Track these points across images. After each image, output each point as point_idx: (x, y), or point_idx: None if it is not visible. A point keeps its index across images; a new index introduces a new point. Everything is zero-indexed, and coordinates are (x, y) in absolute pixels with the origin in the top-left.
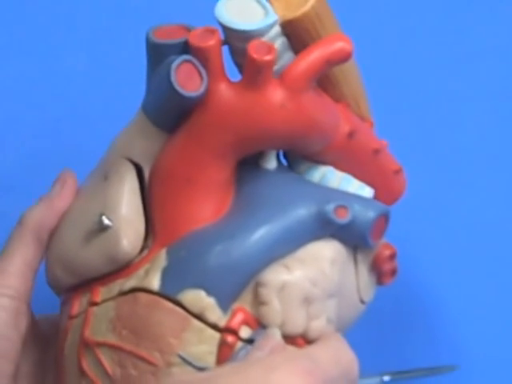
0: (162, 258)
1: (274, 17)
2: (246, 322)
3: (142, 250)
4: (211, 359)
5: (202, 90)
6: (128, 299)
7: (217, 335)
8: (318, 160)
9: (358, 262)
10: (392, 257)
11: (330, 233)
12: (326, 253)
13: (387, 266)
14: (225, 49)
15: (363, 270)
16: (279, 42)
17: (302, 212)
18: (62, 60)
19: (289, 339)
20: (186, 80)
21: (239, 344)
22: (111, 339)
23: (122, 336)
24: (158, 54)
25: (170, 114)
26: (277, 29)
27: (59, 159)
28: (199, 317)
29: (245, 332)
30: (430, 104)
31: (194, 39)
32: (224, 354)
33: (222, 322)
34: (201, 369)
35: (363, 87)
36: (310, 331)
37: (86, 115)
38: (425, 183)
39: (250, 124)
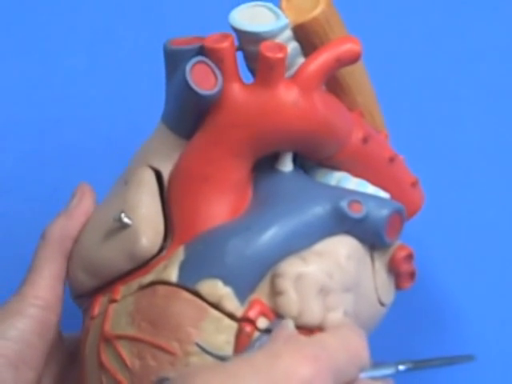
0: (179, 253)
1: (284, 20)
2: (263, 313)
3: (161, 250)
4: (229, 348)
5: (217, 89)
6: (147, 292)
7: (234, 325)
8: (333, 166)
9: (375, 261)
10: (409, 258)
11: (346, 229)
12: (342, 248)
13: (405, 268)
14: (240, 57)
15: (380, 269)
16: (291, 47)
17: (318, 207)
18: (62, 60)
19: (306, 331)
20: (201, 79)
21: (256, 334)
22: (130, 332)
23: (141, 328)
24: (175, 61)
25: (187, 117)
26: (288, 33)
27: (59, 159)
28: (217, 306)
29: (262, 322)
30: (433, 106)
31: (209, 42)
32: (241, 344)
33: (239, 312)
34: (219, 358)
35: (376, 99)
36: (327, 323)
37: (86, 115)
38: (431, 185)
39: (263, 122)
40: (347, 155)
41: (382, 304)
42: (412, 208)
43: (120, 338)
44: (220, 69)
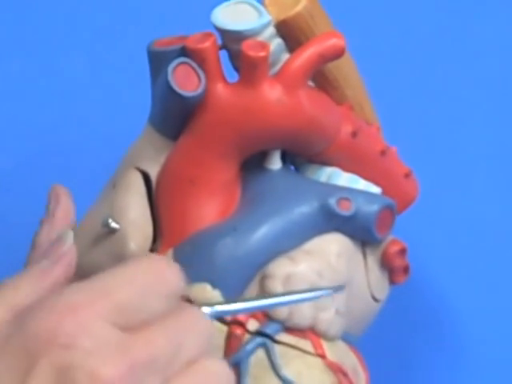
0: (168, 256)
1: (267, 17)
2: (252, 315)
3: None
4: (219, 352)
5: (200, 90)
6: None
7: (224, 328)
8: (323, 162)
9: (367, 257)
10: (402, 252)
11: (335, 226)
12: (332, 246)
13: (398, 263)
14: (224, 55)
15: (373, 265)
16: (275, 43)
17: (306, 206)
18: (62, 60)
19: (299, 332)
20: (184, 81)
21: (247, 336)
22: None
23: None
24: (158, 63)
25: (173, 118)
26: (271, 30)
27: (59, 159)
28: None
29: (252, 325)
30: (442, 106)
31: (191, 43)
32: (232, 347)
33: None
34: None
35: (366, 92)
36: (318, 323)
37: (86, 115)
38: (427, 184)
39: (249, 121)
40: (337, 150)
41: (375, 300)
42: (406, 199)
43: None
44: (203, 69)
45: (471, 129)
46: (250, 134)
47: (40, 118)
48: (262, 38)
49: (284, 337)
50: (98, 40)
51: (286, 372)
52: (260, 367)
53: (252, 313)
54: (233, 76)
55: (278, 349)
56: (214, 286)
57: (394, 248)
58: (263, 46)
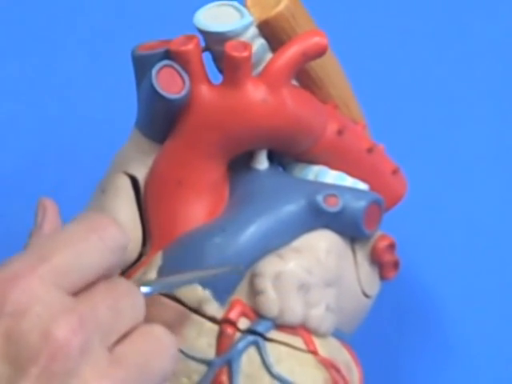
0: (157, 259)
1: (249, 18)
2: (243, 314)
3: (140, 257)
4: (211, 351)
5: (184, 92)
6: None
7: (215, 327)
8: (310, 160)
9: (357, 253)
10: (391, 247)
11: (323, 223)
12: (321, 243)
13: (387, 258)
14: (208, 58)
15: (363, 261)
16: (258, 44)
17: (293, 203)
18: (62, 60)
19: (290, 329)
20: (168, 83)
21: (238, 335)
22: None
23: None
24: (143, 67)
25: (158, 121)
26: (254, 30)
27: (59, 159)
28: (197, 310)
29: (243, 323)
30: (428, 103)
31: (175, 45)
32: (224, 346)
33: (219, 314)
34: (202, 361)
35: (351, 90)
36: (309, 319)
37: (86, 115)
38: (423, 182)
39: (233, 121)
40: (323, 148)
41: (366, 296)
42: (395, 196)
43: None
44: (187, 71)
45: (461, 125)
46: (235, 134)
47: (40, 118)
48: (244, 38)
49: (275, 334)
50: (98, 40)
51: (279, 369)
52: (252, 365)
53: (243, 311)
54: (217, 78)
55: (269, 347)
56: (204, 286)
57: (383, 243)
58: (246, 46)
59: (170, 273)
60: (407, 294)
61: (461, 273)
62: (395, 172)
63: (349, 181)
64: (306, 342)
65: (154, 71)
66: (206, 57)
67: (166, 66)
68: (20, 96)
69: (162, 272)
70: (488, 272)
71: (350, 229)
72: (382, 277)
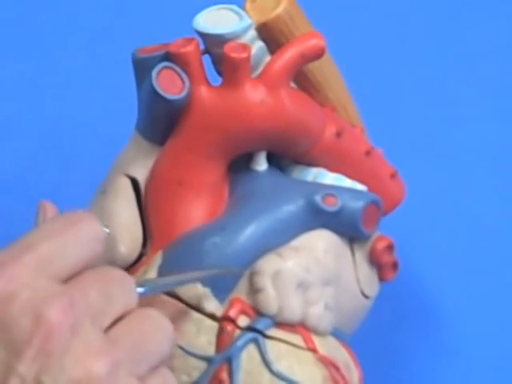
0: (157, 258)
1: (248, 21)
2: (243, 311)
3: (140, 257)
4: (211, 348)
5: (184, 93)
6: None
7: (215, 325)
8: (309, 162)
9: (355, 254)
10: (389, 248)
11: (322, 223)
12: (320, 242)
13: (386, 259)
14: (207, 61)
15: (362, 262)
16: (257, 46)
17: (292, 203)
18: (62, 60)
19: (289, 327)
20: (168, 84)
21: (238, 332)
22: None
23: None
24: (143, 69)
25: (159, 123)
26: (253, 33)
27: (59, 159)
28: (197, 307)
29: (243, 321)
30: (425, 106)
31: (174, 47)
32: (223, 343)
33: (219, 312)
34: (202, 358)
35: (349, 94)
36: (308, 317)
37: (86, 115)
38: (421, 184)
39: (232, 122)
40: (321, 150)
41: (365, 296)
42: (393, 200)
43: None
44: (186, 73)
45: (459, 128)
46: (234, 134)
47: (40, 118)
48: (243, 40)
49: (275, 332)
50: (98, 39)
51: (278, 367)
52: (252, 362)
53: (242, 309)
54: (216, 82)
55: (269, 344)
56: (204, 284)
57: (381, 244)
58: (245, 47)
59: (170, 272)
60: (406, 296)
61: (461, 274)
62: (393, 176)
63: (347, 183)
64: (305, 340)
65: (154, 72)
66: (206, 60)
67: (165, 67)
68: (20, 96)
69: (161, 271)
70: (487, 273)
71: (349, 229)
72: (381, 278)
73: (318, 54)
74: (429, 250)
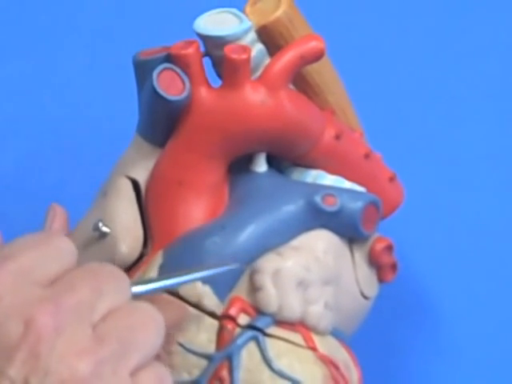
0: (158, 257)
1: (248, 23)
2: (243, 310)
3: (141, 257)
4: (211, 346)
5: (185, 94)
6: None
7: (215, 323)
8: (308, 165)
9: (355, 254)
10: (388, 249)
11: (322, 223)
12: (319, 242)
13: (385, 260)
14: (208, 65)
15: (361, 262)
16: (257, 49)
17: (292, 203)
18: (62, 60)
19: (289, 326)
20: (169, 85)
21: (238, 330)
22: None
23: None
24: (144, 71)
25: (159, 125)
26: (252, 35)
27: (59, 159)
28: (197, 305)
29: (243, 319)
30: (426, 106)
31: (175, 49)
32: (224, 341)
33: (219, 310)
34: (202, 356)
35: (348, 98)
36: (308, 316)
37: (86, 115)
38: (422, 185)
39: (232, 123)
40: (321, 153)
41: (364, 297)
42: (392, 203)
43: None
44: (187, 74)
45: (456, 131)
46: (234, 135)
47: (40, 118)
48: (243, 42)
49: (275, 330)
50: (98, 39)
51: (278, 365)
52: (252, 360)
53: (243, 307)
54: (216, 84)
55: (269, 342)
56: (204, 282)
57: (380, 245)
58: (245, 49)
59: (170, 271)
60: (405, 297)
61: (459, 275)
62: (392, 179)
63: (347, 184)
64: (305, 339)
65: (155, 73)
66: (206, 63)
67: (166, 68)
68: (20, 96)
69: (162, 270)
70: (486, 273)
71: (348, 229)
72: (381, 279)
73: (317, 56)
74: (428, 252)
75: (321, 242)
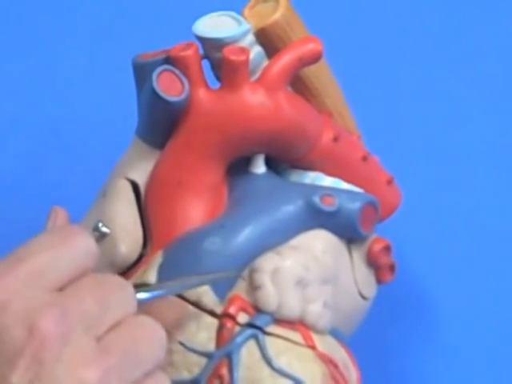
0: (158, 257)
1: (246, 26)
2: (242, 309)
3: (141, 258)
4: (211, 344)
5: (184, 95)
6: None
7: (215, 321)
8: (306, 167)
9: (353, 255)
10: (386, 250)
11: (320, 223)
12: (318, 241)
13: (383, 260)
14: (206, 66)
15: (359, 263)
16: (255, 51)
17: (291, 204)
18: (62, 60)
19: (288, 324)
20: (168, 87)
21: (237, 329)
22: None
23: None
24: (143, 74)
25: (159, 127)
26: (251, 37)
27: (59, 159)
28: (196, 304)
29: (242, 318)
30: (424, 107)
31: (174, 51)
32: (223, 339)
33: (219, 309)
34: (202, 354)
35: (345, 101)
36: (307, 315)
37: (86, 115)
38: (420, 186)
39: (231, 124)
40: (319, 155)
41: (363, 297)
42: (389, 206)
43: None
44: (186, 76)
45: (455, 133)
46: (232, 136)
47: (40, 118)
48: (242, 45)
49: (274, 329)
50: (98, 39)
51: (278, 363)
52: (252, 358)
53: (242, 306)
54: (215, 87)
55: (268, 340)
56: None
57: (378, 246)
58: (243, 50)
59: (170, 270)
60: (404, 297)
61: (458, 276)
62: (390, 182)
63: (344, 186)
64: (304, 337)
65: (154, 74)
66: (205, 66)
67: (166, 70)
68: (20, 96)
69: (162, 270)
70: (484, 274)
71: (346, 229)
72: (379, 280)
73: (315, 58)
74: (426, 253)
75: (319, 242)
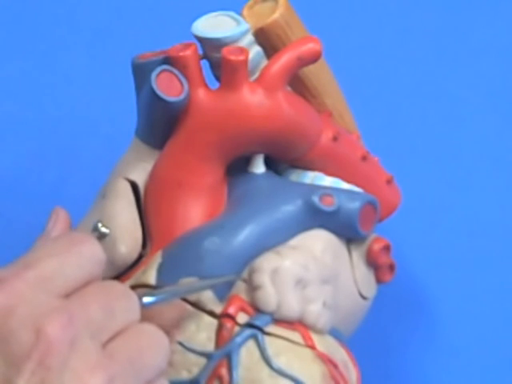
0: (157, 257)
1: (245, 25)
2: (242, 309)
3: (140, 258)
4: (210, 344)
5: (183, 95)
6: None
7: (214, 321)
8: (306, 166)
9: (353, 254)
10: (386, 250)
11: (320, 223)
12: (317, 241)
13: (382, 260)
14: (205, 67)
15: (359, 263)
16: (254, 51)
17: (290, 203)
18: (61, 60)
19: (288, 324)
20: (168, 87)
21: (237, 329)
22: None
23: None
24: (142, 74)
25: (158, 127)
26: (250, 37)
27: (59, 159)
28: (196, 304)
29: (242, 318)
30: (424, 107)
31: (173, 51)
32: (223, 339)
33: (218, 309)
34: (201, 354)
35: (345, 101)
36: (307, 315)
37: (86, 115)
38: (419, 186)
39: (230, 123)
40: (318, 154)
41: (363, 297)
42: (389, 205)
43: None
44: (185, 76)
45: (454, 133)
46: (232, 136)
47: (40, 118)
48: (241, 45)
49: (274, 329)
50: (98, 39)
51: (277, 363)
52: (251, 358)
53: (241, 306)
54: (214, 88)
55: (268, 340)
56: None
57: (378, 245)
58: (242, 50)
59: (170, 270)
60: (403, 297)
61: (458, 276)
62: (389, 182)
63: (344, 186)
64: (303, 337)
65: (153, 75)
66: (204, 66)
67: (165, 70)
68: (20, 96)
69: (161, 269)
70: (484, 273)
71: (346, 229)
72: (379, 280)
73: (314, 58)
74: (425, 253)
75: (319, 242)
